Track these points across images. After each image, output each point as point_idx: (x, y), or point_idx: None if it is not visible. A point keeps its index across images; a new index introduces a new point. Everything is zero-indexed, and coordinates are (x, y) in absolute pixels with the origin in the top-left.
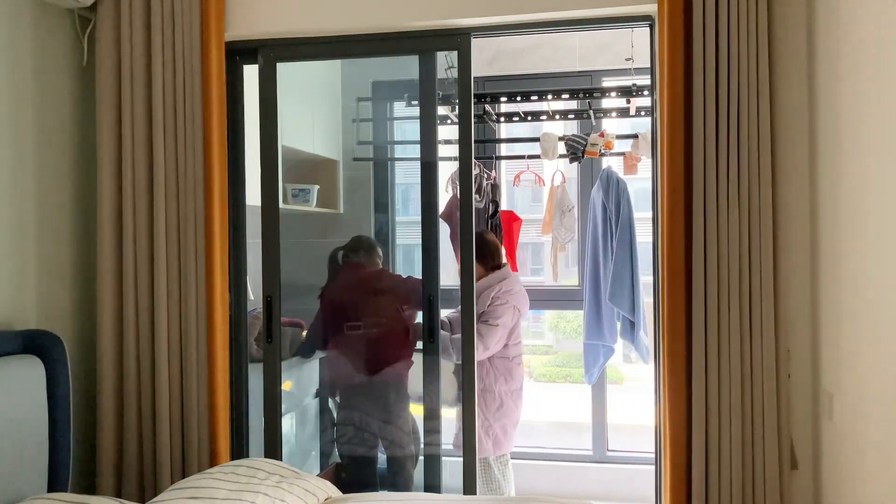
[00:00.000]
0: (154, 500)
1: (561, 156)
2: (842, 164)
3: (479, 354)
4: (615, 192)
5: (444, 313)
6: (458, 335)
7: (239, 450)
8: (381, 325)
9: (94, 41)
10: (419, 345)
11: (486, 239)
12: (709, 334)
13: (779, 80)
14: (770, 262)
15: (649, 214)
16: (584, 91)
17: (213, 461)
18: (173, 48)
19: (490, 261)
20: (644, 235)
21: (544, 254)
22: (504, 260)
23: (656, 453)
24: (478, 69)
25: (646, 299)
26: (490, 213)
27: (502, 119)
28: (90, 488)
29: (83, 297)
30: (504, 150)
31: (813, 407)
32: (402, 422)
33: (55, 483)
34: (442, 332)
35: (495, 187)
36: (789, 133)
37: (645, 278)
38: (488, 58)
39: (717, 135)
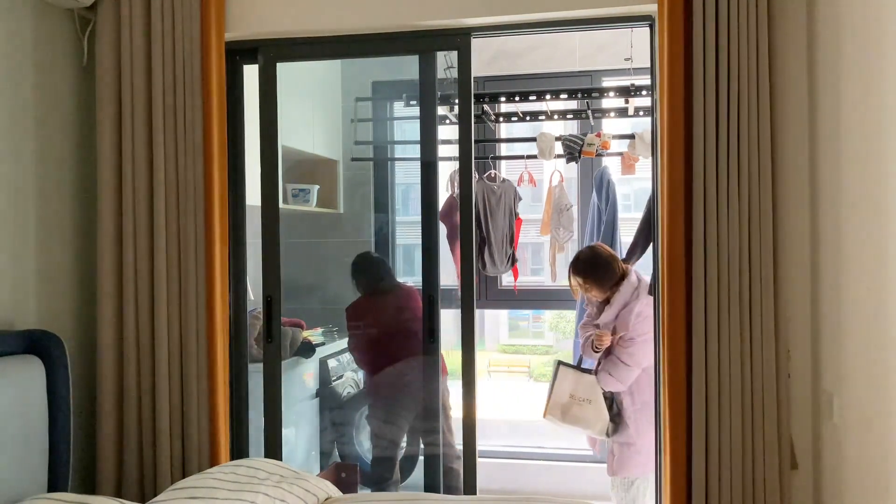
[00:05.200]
0: (154, 500)
1: (558, 156)
2: (842, 164)
3: (635, 373)
4: (606, 191)
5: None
6: (613, 358)
7: (239, 450)
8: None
9: (94, 41)
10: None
11: (598, 256)
12: (709, 334)
13: (779, 80)
14: (770, 262)
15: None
16: (584, 91)
17: (213, 461)
18: (173, 48)
19: (609, 280)
20: None
21: (544, 254)
22: (621, 266)
23: (656, 453)
24: (477, 69)
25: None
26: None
27: (501, 119)
28: (90, 488)
29: (83, 297)
30: (503, 150)
31: (813, 407)
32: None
33: (55, 483)
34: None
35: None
36: (789, 133)
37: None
38: (488, 58)
39: (717, 135)
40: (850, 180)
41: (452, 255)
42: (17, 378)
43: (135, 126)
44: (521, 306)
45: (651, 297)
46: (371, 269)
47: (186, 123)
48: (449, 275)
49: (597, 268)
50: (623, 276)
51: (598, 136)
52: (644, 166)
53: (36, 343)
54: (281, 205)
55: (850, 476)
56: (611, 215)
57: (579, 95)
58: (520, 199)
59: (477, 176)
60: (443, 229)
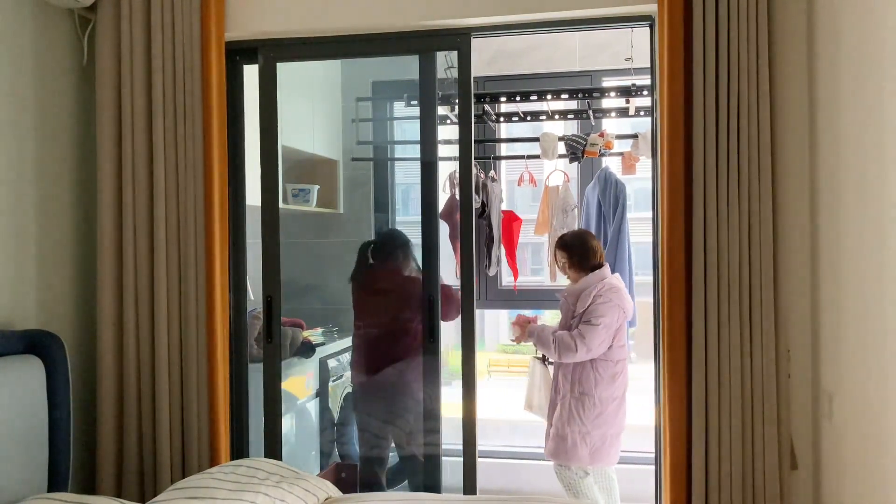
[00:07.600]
0: (154, 500)
1: (561, 156)
2: (842, 164)
3: (581, 356)
4: (613, 192)
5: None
6: (561, 332)
7: (239, 450)
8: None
9: (94, 41)
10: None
11: (587, 240)
12: (709, 334)
13: (779, 80)
14: (770, 262)
15: (649, 214)
16: (584, 91)
17: (213, 461)
18: (173, 48)
19: (588, 262)
20: (644, 235)
21: (544, 254)
22: (604, 260)
23: (656, 453)
24: (478, 69)
25: (644, 299)
26: (478, 212)
27: (502, 119)
28: (90, 488)
29: (83, 297)
30: (504, 150)
31: (813, 407)
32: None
33: (55, 483)
34: (546, 327)
35: (483, 186)
36: (789, 133)
37: (644, 278)
38: (488, 58)
39: (717, 135)
40: (849, 180)
41: (455, 254)
42: (17, 378)
43: (135, 126)
44: (521, 306)
45: (619, 292)
46: (378, 249)
47: (186, 123)
48: (449, 274)
49: (581, 245)
50: (600, 266)
51: (602, 135)
52: (645, 166)
53: (36, 343)
54: (281, 205)
55: (850, 476)
56: (618, 219)
57: (581, 95)
58: (501, 200)
59: (483, 175)
60: (444, 229)
